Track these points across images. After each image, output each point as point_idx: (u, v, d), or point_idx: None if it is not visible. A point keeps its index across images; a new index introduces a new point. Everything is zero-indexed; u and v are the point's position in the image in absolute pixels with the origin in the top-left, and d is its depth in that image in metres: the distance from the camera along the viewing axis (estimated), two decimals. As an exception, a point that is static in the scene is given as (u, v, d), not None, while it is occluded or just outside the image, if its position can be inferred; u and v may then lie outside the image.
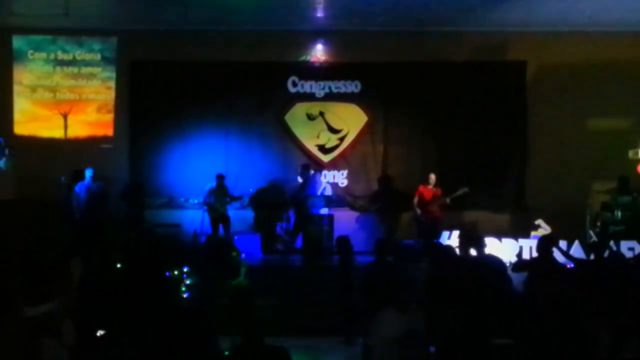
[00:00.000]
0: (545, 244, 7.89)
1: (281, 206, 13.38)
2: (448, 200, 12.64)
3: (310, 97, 14.16)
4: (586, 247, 11.03)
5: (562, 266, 7.93)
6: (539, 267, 7.64)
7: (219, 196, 12.72)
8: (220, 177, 12.84)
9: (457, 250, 8.61)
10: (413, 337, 5.85)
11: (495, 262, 7.97)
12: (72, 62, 14.18)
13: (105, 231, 12.12)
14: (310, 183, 12.98)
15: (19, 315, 4.21)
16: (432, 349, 6.14)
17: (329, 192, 13.60)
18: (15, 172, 13.10)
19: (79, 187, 12.59)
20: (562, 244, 10.05)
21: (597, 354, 5.75)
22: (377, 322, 6.01)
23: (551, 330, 5.67)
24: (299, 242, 12.80)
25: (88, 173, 12.61)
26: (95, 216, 12.38)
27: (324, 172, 14.02)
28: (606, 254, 8.29)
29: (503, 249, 11.11)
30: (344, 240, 10.03)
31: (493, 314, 6.41)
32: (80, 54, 14.20)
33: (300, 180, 12.99)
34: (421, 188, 12.86)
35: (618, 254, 8.88)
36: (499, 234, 11.78)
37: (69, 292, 5.16)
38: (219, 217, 12.70)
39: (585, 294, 6.64)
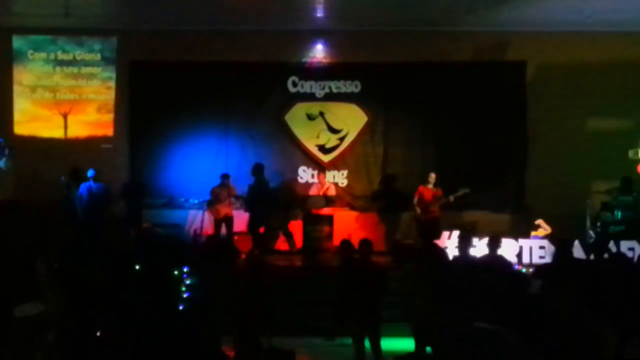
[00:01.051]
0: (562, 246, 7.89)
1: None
2: (452, 199, 12.61)
3: (310, 97, 14.16)
4: (587, 247, 11.03)
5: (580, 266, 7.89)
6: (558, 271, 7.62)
7: (224, 197, 12.67)
8: (225, 177, 12.80)
9: (457, 251, 8.61)
10: None
11: (502, 263, 7.99)
12: (72, 62, 14.18)
13: (105, 232, 12.12)
14: (260, 184, 12.69)
15: (13, 315, 4.20)
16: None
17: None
18: (15, 172, 13.12)
19: (81, 188, 12.53)
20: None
21: (602, 354, 5.74)
22: None
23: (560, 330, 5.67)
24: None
25: (90, 174, 12.56)
26: (95, 217, 12.35)
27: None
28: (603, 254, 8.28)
29: (503, 249, 11.08)
30: (346, 243, 10.03)
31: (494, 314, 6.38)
32: (80, 54, 14.20)
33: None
34: (421, 188, 12.85)
35: (620, 254, 8.87)
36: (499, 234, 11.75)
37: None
38: (222, 217, 12.66)
39: (589, 294, 6.62)
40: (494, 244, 8.16)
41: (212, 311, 7.61)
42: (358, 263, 7.99)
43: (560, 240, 8.34)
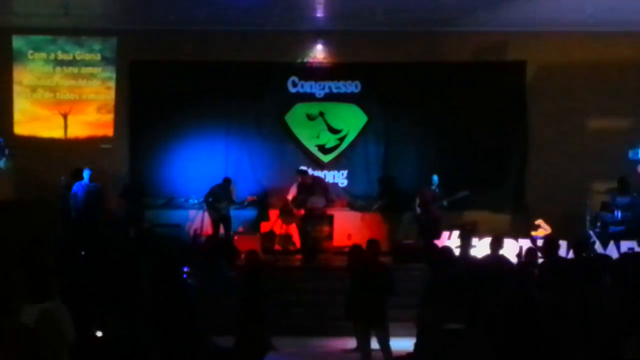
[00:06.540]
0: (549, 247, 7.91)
1: None
2: (445, 203, 12.65)
3: (310, 98, 14.16)
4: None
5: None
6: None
7: (222, 198, 12.68)
8: (226, 181, 12.84)
9: (457, 251, 8.61)
10: None
11: (504, 263, 8.00)
12: (72, 62, 14.18)
13: (100, 231, 12.14)
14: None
15: (15, 317, 4.17)
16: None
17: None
18: (15, 172, 13.13)
19: (76, 187, 12.57)
20: (562, 244, 10.05)
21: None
22: None
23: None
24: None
25: (86, 173, 12.60)
26: (91, 216, 12.38)
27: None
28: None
29: (503, 249, 11.08)
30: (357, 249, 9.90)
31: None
32: (80, 54, 14.20)
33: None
34: (422, 188, 12.87)
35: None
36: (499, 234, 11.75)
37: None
38: (220, 217, 12.69)
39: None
40: (496, 245, 8.15)
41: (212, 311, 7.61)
42: (365, 263, 7.99)
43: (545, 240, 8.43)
